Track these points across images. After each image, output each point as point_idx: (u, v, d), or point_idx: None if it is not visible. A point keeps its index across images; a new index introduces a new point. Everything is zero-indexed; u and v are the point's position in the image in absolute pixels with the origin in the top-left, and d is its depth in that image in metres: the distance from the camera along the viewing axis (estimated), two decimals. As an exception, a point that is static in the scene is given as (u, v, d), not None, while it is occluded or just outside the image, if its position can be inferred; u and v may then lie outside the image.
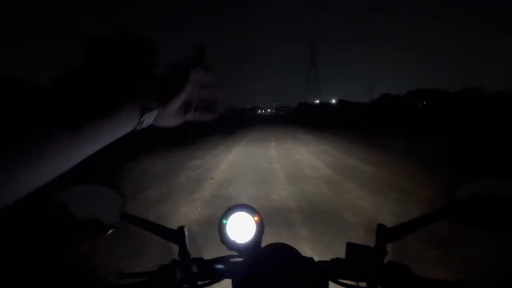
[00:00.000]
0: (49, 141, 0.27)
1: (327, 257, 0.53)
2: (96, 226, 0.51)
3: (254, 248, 0.51)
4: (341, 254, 0.51)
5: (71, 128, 0.29)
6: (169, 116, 0.41)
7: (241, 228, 0.53)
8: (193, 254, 0.54)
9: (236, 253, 0.52)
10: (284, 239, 0.53)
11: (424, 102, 34.13)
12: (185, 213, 3.15)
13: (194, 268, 0.50)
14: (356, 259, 0.49)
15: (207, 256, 0.54)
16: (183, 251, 0.51)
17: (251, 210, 0.54)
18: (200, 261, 0.52)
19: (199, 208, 3.33)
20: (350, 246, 0.50)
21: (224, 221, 0.53)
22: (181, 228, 0.53)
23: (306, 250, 2.17)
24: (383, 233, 0.48)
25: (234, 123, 22.04)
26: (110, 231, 0.54)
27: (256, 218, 0.53)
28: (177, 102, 0.41)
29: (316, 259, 0.53)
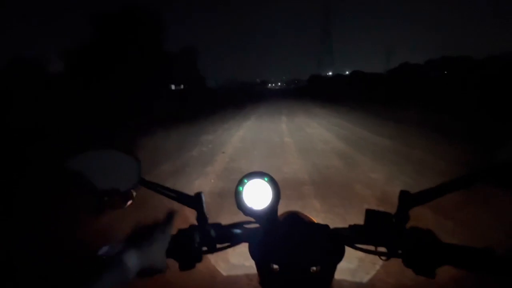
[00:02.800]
0: None
1: (339, 226, 0.52)
2: (117, 195, 0.51)
3: (271, 214, 0.51)
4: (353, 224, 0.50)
5: None
6: None
7: (257, 195, 0.52)
8: (211, 220, 0.54)
9: (252, 219, 0.52)
10: (297, 210, 0.52)
11: (445, 72, 32.09)
12: (198, 186, 3.25)
13: (213, 232, 0.51)
14: (375, 225, 0.47)
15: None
16: (201, 216, 0.51)
17: (267, 177, 0.53)
18: (218, 226, 0.53)
19: (212, 181, 3.42)
20: (369, 213, 0.48)
21: (240, 188, 0.52)
22: (198, 194, 0.53)
23: (318, 220, 2.21)
24: (406, 199, 0.46)
25: (243, 98, 21.79)
26: (130, 201, 0.55)
27: (272, 185, 0.52)
28: None
29: (331, 227, 0.52)
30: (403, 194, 0.46)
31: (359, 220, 0.50)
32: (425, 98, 12.57)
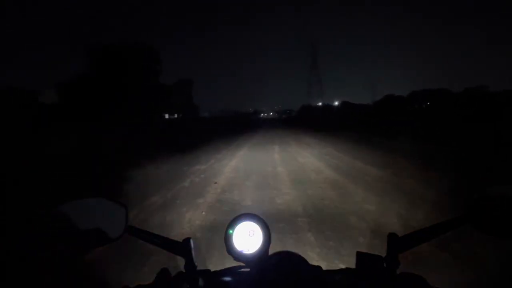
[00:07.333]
0: None
1: (334, 262, 0.51)
2: (100, 236, 0.50)
3: (261, 257, 0.50)
4: (348, 259, 0.50)
5: None
6: None
7: (247, 237, 0.52)
8: (199, 265, 0.53)
9: (243, 264, 0.51)
10: (290, 244, 0.52)
11: (428, 103, 33.93)
12: (189, 219, 3.14)
13: (201, 281, 0.49)
14: (366, 269, 0.47)
15: (212, 264, 0.53)
16: (190, 263, 0.50)
17: (257, 219, 0.53)
18: (206, 273, 0.51)
19: (203, 213, 3.31)
20: (360, 256, 0.48)
21: (230, 231, 0.52)
22: (187, 240, 0.52)
23: (312, 255, 2.13)
24: (395, 242, 0.47)
25: (237, 127, 22.13)
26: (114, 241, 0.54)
27: (262, 227, 0.52)
28: None
29: (324, 267, 0.52)
30: (391, 237, 0.47)
31: (354, 254, 0.49)
32: (409, 128, 13.08)
